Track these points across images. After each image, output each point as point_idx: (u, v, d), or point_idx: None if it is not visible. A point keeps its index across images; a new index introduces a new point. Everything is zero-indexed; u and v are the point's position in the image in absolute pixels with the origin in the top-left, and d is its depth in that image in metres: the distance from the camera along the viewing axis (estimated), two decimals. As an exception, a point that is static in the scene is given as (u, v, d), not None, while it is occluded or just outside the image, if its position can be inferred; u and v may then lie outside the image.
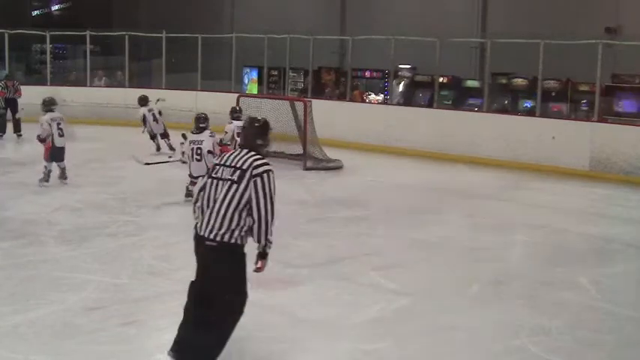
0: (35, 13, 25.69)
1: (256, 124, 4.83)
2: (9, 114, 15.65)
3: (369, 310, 6.10)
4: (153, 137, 14.13)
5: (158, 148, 14.06)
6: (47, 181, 10.51)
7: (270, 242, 4.65)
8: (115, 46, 20.26)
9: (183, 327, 4.77)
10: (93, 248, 7.64)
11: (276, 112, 14.07)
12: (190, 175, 9.63)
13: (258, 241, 4.63)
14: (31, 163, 10.81)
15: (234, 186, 4.54)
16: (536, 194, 11.40)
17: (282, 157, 13.56)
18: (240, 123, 11.41)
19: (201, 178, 7.42)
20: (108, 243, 7.89)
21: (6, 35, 18.54)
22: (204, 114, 10.02)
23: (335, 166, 13.08)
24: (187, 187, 9.65)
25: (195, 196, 4.82)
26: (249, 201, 4.54)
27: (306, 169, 12.83)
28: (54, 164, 10.53)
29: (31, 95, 14.58)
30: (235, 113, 11.68)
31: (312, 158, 13.16)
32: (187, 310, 4.79)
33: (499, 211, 10.16)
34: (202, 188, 4.73)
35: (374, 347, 5.39)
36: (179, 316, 5.26)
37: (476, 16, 17.51)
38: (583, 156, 12.94)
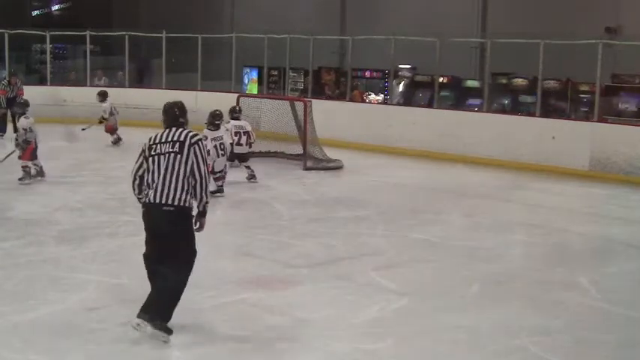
0: (35, 13, 25.73)
1: (176, 109, 5.50)
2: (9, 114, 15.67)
3: (369, 310, 6.10)
4: (114, 130, 14.73)
5: (116, 141, 14.70)
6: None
7: (208, 201, 5.41)
8: (115, 46, 20.26)
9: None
10: (93, 248, 7.64)
11: (276, 112, 14.08)
12: (212, 172, 9.85)
13: (201, 199, 5.33)
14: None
15: (179, 156, 5.24)
16: (536, 194, 11.39)
17: (282, 157, 13.57)
18: (238, 122, 11.46)
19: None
20: (108, 243, 7.89)
21: (6, 35, 18.51)
22: (220, 110, 10.66)
23: (335, 166, 13.08)
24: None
25: (133, 174, 5.38)
26: (192, 166, 5.23)
27: (306, 169, 12.82)
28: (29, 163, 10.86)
29: (30, 95, 14.54)
30: (234, 113, 11.69)
31: (312, 158, 13.14)
32: (151, 278, 5.38)
33: (499, 211, 10.16)
34: (139, 167, 5.34)
35: (374, 347, 5.39)
36: (178, 316, 5.28)
37: (476, 16, 17.50)
38: (583, 156, 12.93)
